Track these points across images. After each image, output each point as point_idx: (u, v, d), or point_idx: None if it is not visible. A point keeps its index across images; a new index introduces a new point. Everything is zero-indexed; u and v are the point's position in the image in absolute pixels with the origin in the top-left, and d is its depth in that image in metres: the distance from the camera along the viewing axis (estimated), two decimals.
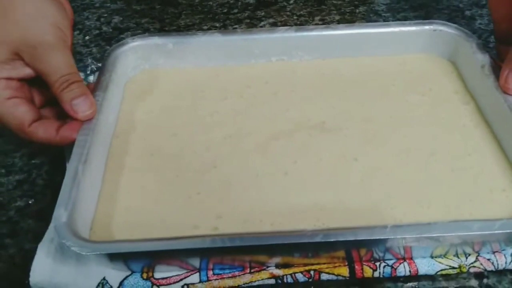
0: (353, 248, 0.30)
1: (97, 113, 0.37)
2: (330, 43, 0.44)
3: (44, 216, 0.35)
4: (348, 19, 0.56)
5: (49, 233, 0.33)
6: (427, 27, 0.44)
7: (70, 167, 0.33)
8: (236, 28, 0.55)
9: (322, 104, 0.41)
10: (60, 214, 0.30)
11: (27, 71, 0.35)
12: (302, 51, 0.45)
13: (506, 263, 0.32)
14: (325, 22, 0.55)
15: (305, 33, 0.44)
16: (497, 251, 0.32)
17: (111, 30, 0.56)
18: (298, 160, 0.36)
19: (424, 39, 0.45)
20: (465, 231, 0.28)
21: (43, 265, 0.32)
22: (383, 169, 0.35)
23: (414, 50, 0.45)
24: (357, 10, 0.57)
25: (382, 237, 0.28)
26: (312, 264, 0.32)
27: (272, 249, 0.30)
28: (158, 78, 0.44)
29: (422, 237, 0.28)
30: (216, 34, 0.44)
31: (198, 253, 0.30)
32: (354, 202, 0.33)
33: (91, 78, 0.47)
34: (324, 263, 0.32)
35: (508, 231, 0.28)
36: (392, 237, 0.28)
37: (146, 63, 0.45)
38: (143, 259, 0.31)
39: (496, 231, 0.28)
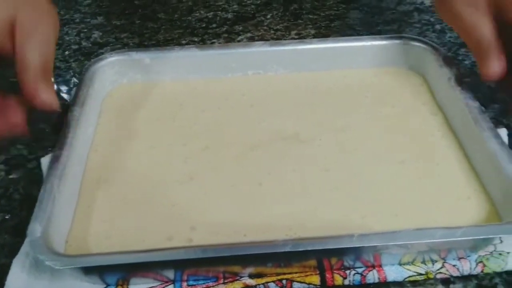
0: (322, 257, 0.31)
1: (74, 127, 0.37)
2: (304, 57, 0.46)
3: (20, 231, 0.35)
4: (324, 33, 0.57)
5: (25, 247, 0.33)
6: (397, 41, 0.46)
7: (46, 182, 0.33)
8: (214, 42, 0.56)
9: (296, 116, 0.42)
10: (35, 228, 0.30)
11: None
12: (278, 64, 0.46)
13: (470, 268, 0.33)
14: (301, 36, 0.57)
15: (279, 48, 0.45)
16: (462, 258, 0.33)
17: (90, 45, 0.56)
18: (272, 171, 0.37)
19: (395, 53, 0.46)
20: (428, 239, 0.29)
21: (17, 279, 0.32)
22: (354, 179, 0.36)
23: (385, 63, 0.47)
24: (332, 24, 0.59)
25: (349, 246, 0.29)
26: (285, 274, 0.33)
27: (243, 259, 0.30)
28: (136, 92, 0.45)
29: (388, 245, 0.29)
30: (193, 48, 0.45)
31: (170, 265, 0.31)
32: (326, 212, 0.34)
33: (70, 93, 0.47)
34: (296, 272, 0.33)
35: (469, 238, 0.29)
36: (359, 245, 0.29)
37: (123, 78, 0.45)
38: (116, 272, 0.31)
39: (458, 238, 0.29)
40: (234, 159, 0.38)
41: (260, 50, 0.45)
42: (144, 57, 0.45)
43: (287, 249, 0.29)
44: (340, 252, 0.30)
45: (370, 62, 0.46)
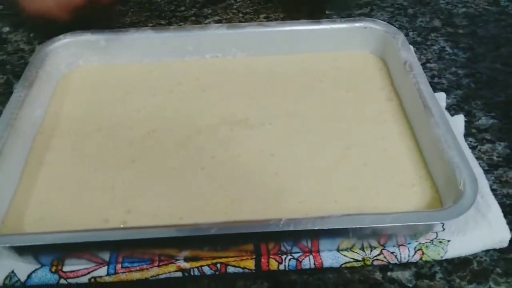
0: (252, 241, 0.30)
1: (18, 108, 0.37)
2: (263, 41, 0.45)
3: None
4: (293, 17, 0.56)
5: None
6: (357, 24, 0.45)
7: None
8: (180, 25, 0.55)
9: (249, 100, 0.41)
10: None
11: None
12: (236, 48, 0.45)
13: (409, 256, 0.32)
14: (270, 20, 0.56)
15: (237, 30, 0.44)
16: (402, 245, 0.33)
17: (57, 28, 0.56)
18: (217, 155, 0.37)
19: (356, 37, 0.45)
20: (357, 225, 0.29)
21: None
22: (297, 164, 0.36)
23: (346, 47, 0.45)
24: (303, 8, 0.58)
25: (274, 230, 0.29)
26: (220, 258, 0.32)
27: (175, 242, 0.30)
28: (91, 75, 0.44)
29: (316, 230, 0.29)
30: (148, 31, 0.44)
31: (103, 246, 0.31)
32: (265, 197, 0.34)
33: None
34: (232, 257, 0.32)
35: (398, 224, 0.29)
36: (285, 230, 0.28)
37: (79, 60, 0.45)
38: (49, 252, 0.31)
39: (388, 225, 0.29)
40: (179, 143, 0.38)
41: (216, 33, 0.44)
42: (99, 39, 0.44)
43: (212, 232, 0.28)
44: (269, 236, 0.30)
45: (330, 46, 0.45)
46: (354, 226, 0.29)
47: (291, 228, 0.29)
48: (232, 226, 0.29)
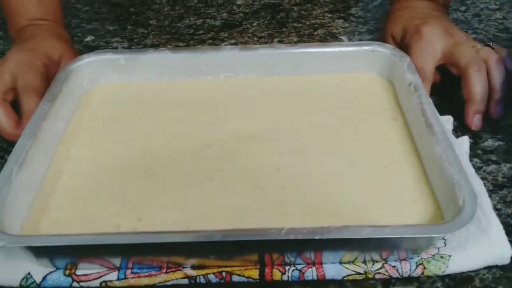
0: (255, 250, 0.31)
1: (41, 120, 0.40)
2: (274, 62, 0.47)
3: None
4: (305, 41, 0.58)
5: None
6: (365, 47, 0.46)
7: (5, 168, 0.35)
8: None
9: (258, 118, 0.43)
10: None
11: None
12: (248, 68, 0.47)
13: (410, 270, 0.33)
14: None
15: (249, 52, 0.47)
16: (404, 259, 0.33)
17: (82, 48, 0.59)
18: (225, 168, 0.38)
19: (364, 59, 0.47)
20: (356, 235, 0.30)
21: None
22: (301, 178, 0.37)
23: (354, 69, 0.47)
24: (315, 33, 0.60)
25: (277, 238, 0.30)
26: (226, 266, 0.34)
27: (181, 248, 0.31)
28: (111, 91, 0.47)
29: (316, 240, 0.30)
30: (165, 51, 0.47)
31: (115, 250, 0.32)
32: (269, 209, 0.35)
33: None
34: (238, 266, 0.33)
35: (397, 236, 0.30)
36: (285, 238, 0.29)
37: (101, 78, 0.48)
38: (63, 254, 0.33)
39: (385, 236, 0.29)
40: (190, 156, 0.39)
41: (229, 54, 0.46)
42: (120, 58, 0.47)
43: (216, 239, 0.30)
44: (271, 245, 0.31)
45: (339, 68, 0.47)
46: (353, 237, 0.30)
47: (292, 237, 0.30)
48: (235, 233, 0.30)
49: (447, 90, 0.48)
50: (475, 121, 0.43)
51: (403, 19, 0.49)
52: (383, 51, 0.46)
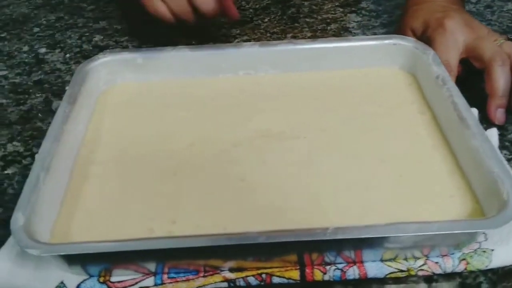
0: (298, 250, 0.31)
1: (64, 123, 0.38)
2: (294, 58, 0.46)
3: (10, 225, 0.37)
4: (320, 36, 0.58)
5: (12, 238, 0.34)
6: (387, 41, 0.46)
7: (32, 174, 0.34)
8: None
9: (283, 115, 0.42)
10: (17, 217, 0.31)
11: None
12: (268, 65, 0.47)
13: (453, 266, 0.32)
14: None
15: (269, 48, 0.46)
16: (445, 255, 0.33)
17: (91, 48, 0.58)
18: (255, 167, 0.38)
19: (385, 53, 0.46)
20: (402, 233, 0.29)
21: (2, 269, 0.33)
22: (333, 176, 0.36)
23: (376, 63, 0.47)
24: (329, 28, 0.59)
25: (322, 238, 0.29)
26: (265, 268, 0.33)
27: (219, 251, 0.31)
28: (128, 91, 0.46)
29: (362, 238, 0.29)
30: (184, 49, 0.46)
31: (150, 255, 0.31)
32: (304, 208, 0.34)
33: None
34: (277, 267, 0.33)
35: (443, 232, 0.29)
36: (332, 238, 0.29)
37: (117, 77, 0.46)
38: (97, 262, 0.32)
39: (433, 233, 0.29)
40: (218, 156, 0.39)
41: (249, 51, 0.45)
42: (137, 57, 0.46)
43: (260, 240, 0.29)
44: (315, 245, 0.30)
45: (360, 62, 0.46)
46: (400, 235, 0.29)
47: (339, 237, 0.29)
48: (280, 235, 0.29)
49: (468, 82, 0.48)
50: (498, 115, 0.43)
51: (423, 12, 0.48)
52: (405, 44, 0.45)
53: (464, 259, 0.33)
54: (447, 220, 0.30)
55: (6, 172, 0.42)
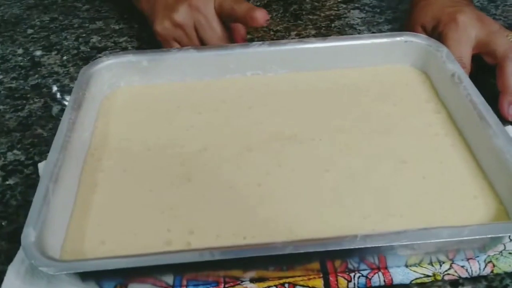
0: (324, 259, 0.30)
1: (70, 131, 0.37)
2: (303, 57, 0.45)
3: (17, 237, 0.34)
4: (324, 34, 0.56)
5: (20, 253, 0.33)
6: (398, 38, 0.45)
7: (40, 186, 0.32)
8: None
9: (295, 116, 0.41)
10: (28, 233, 0.29)
11: None
12: (276, 65, 0.45)
13: (480, 269, 0.32)
14: (301, 37, 0.56)
15: (278, 47, 0.45)
16: (471, 258, 0.32)
17: (89, 49, 0.56)
18: (271, 171, 0.36)
19: (396, 51, 0.45)
20: (435, 239, 0.28)
21: (13, 285, 0.31)
22: (354, 179, 0.35)
23: (387, 61, 0.46)
24: (333, 25, 0.58)
25: (352, 247, 0.28)
26: (287, 277, 0.32)
27: (243, 263, 0.29)
28: (134, 95, 0.44)
29: (392, 245, 0.28)
30: (190, 50, 0.44)
31: (169, 269, 0.30)
32: (326, 213, 0.33)
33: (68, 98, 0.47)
34: (299, 276, 0.32)
35: (477, 237, 0.28)
36: (362, 246, 0.28)
37: (121, 81, 0.45)
38: (113, 277, 0.30)
39: (465, 238, 0.28)
40: (232, 161, 0.37)
41: (258, 51, 0.44)
42: (142, 60, 0.44)
43: (288, 251, 0.28)
44: (343, 254, 0.29)
45: (370, 60, 0.45)
46: (432, 241, 0.28)
47: (368, 245, 0.28)
48: (308, 244, 0.28)
49: (478, 78, 0.47)
50: (511, 112, 0.42)
51: (433, 7, 0.47)
52: (417, 41, 0.44)
53: (490, 262, 0.32)
54: (476, 223, 0.29)
55: (7, 182, 0.40)
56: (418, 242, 0.28)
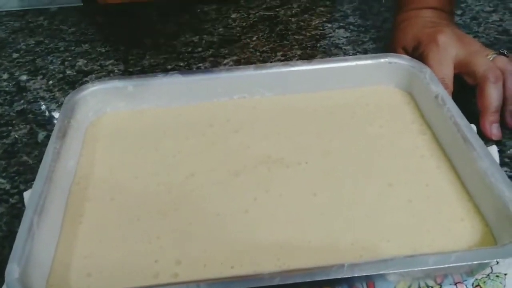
0: (308, 286, 0.30)
1: (55, 161, 0.36)
2: (289, 80, 0.45)
3: (1, 270, 0.34)
4: (310, 54, 0.57)
5: None
6: (382, 60, 0.45)
7: (24, 219, 0.32)
8: (200, 66, 0.55)
9: (282, 139, 0.41)
10: (12, 269, 0.29)
11: None
12: (263, 88, 0.45)
13: None
14: (287, 58, 0.56)
15: (264, 71, 0.45)
16: (459, 282, 0.32)
17: (75, 73, 0.56)
18: (258, 197, 0.36)
19: (381, 72, 0.46)
20: (422, 266, 0.28)
21: None
22: (342, 203, 0.35)
23: (371, 82, 0.46)
24: (318, 44, 0.59)
25: (340, 277, 0.28)
26: None
27: None
28: (119, 121, 0.44)
29: (379, 274, 0.28)
30: (176, 75, 0.44)
31: None
32: (314, 239, 0.33)
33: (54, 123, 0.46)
34: None
35: (463, 263, 0.28)
36: (350, 276, 0.28)
37: (107, 107, 0.45)
38: None
39: (452, 264, 0.28)
40: (219, 186, 0.37)
41: (245, 74, 0.44)
42: (127, 85, 0.44)
43: (275, 282, 0.28)
44: (331, 283, 0.29)
45: (356, 81, 0.46)
46: (418, 268, 0.28)
47: (356, 274, 0.28)
48: (295, 275, 0.28)
49: (458, 97, 0.48)
50: (493, 131, 0.43)
51: (413, 28, 0.48)
52: (401, 62, 0.45)
53: (478, 285, 0.32)
54: (464, 248, 0.29)
55: None
56: (405, 270, 0.28)
